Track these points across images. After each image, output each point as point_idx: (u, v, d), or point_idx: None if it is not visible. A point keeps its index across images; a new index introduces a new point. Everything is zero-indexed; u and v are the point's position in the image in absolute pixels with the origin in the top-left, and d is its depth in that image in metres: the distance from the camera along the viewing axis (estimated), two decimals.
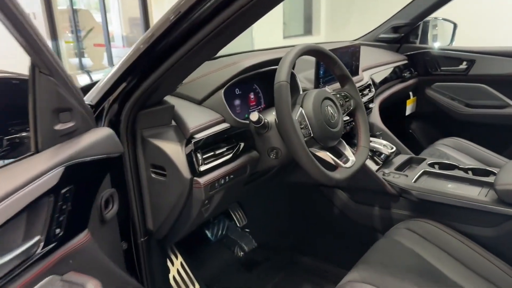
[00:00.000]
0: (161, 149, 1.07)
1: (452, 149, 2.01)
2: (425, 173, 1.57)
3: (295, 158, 1.09)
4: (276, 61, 1.18)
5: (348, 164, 1.21)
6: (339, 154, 1.26)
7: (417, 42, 2.39)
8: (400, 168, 1.65)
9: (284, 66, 1.09)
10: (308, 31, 6.54)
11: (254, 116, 1.13)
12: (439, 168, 1.62)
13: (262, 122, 1.15)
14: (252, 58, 1.31)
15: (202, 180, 1.08)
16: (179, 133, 1.10)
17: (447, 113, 2.33)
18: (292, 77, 1.43)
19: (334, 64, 1.29)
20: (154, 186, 1.13)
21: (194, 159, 1.07)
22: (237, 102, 1.37)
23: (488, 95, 2.21)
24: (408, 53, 2.37)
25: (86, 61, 7.45)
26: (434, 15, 2.34)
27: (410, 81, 2.30)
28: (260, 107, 1.47)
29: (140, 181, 1.14)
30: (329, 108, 1.20)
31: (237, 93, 1.37)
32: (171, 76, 0.99)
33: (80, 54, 7.47)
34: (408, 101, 2.35)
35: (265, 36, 4.87)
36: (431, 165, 1.64)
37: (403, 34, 2.37)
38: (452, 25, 2.48)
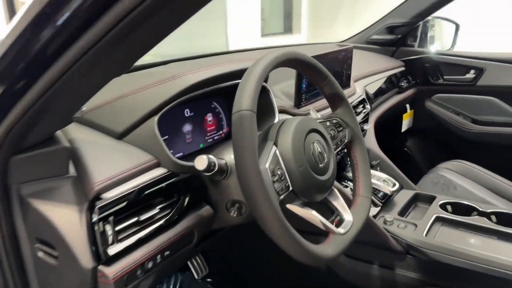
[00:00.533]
0: (47, 219, 0.66)
1: (458, 176, 1.67)
2: (438, 219, 1.20)
3: (262, 228, 0.70)
4: (240, 74, 0.78)
5: (343, 229, 0.82)
6: (329, 210, 0.88)
7: (415, 45, 2.02)
8: (404, 210, 1.28)
9: (247, 87, 0.70)
10: (288, 29, 6.11)
11: (200, 162, 0.73)
12: (453, 211, 1.26)
13: (216, 168, 0.76)
14: (204, 69, 0.91)
15: (112, 270, 0.67)
16: (78, 190, 0.69)
17: (450, 130, 1.98)
18: (264, 92, 1.04)
19: (323, 80, 0.90)
20: (42, 270, 0.72)
21: (99, 236, 0.66)
22: (187, 127, 0.98)
23: (500, 110, 1.86)
24: (405, 58, 2.00)
25: None
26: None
27: (408, 92, 1.93)
28: (221, 132, 1.08)
29: (23, 262, 0.73)
30: (316, 145, 0.82)
31: (187, 114, 0.98)
32: (60, 96, 0.58)
33: None
34: (404, 115, 1.99)
35: (241, 34, 4.47)
36: (443, 206, 1.27)
37: (400, 36, 1.99)
38: (454, 26, 2.13)
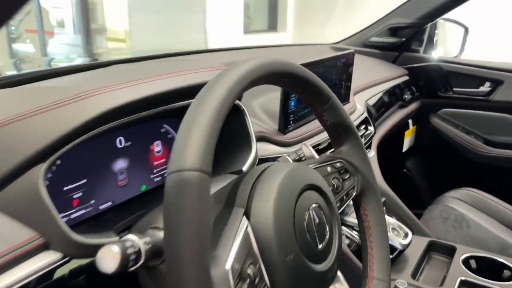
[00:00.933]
0: None
1: (470, 208, 1.42)
2: (464, 284, 0.91)
3: None
4: (193, 91, 0.47)
5: None
6: None
7: (420, 50, 1.73)
8: (419, 267, 0.98)
9: (197, 126, 0.39)
10: (272, 26, 5.73)
11: (108, 257, 0.41)
12: (478, 267, 0.98)
13: (142, 260, 0.44)
14: (139, 83, 0.58)
15: None
16: None
17: (458, 150, 1.70)
18: (235, 113, 0.73)
19: (323, 103, 0.60)
20: None
21: None
22: (119, 164, 0.68)
23: None
24: (409, 66, 1.71)
25: (29, 47, 6.52)
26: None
27: (412, 106, 1.64)
28: None
29: None
30: (312, 213, 0.51)
31: (121, 145, 0.67)
32: None
33: (11, 40, 6.52)
34: (406, 132, 1.70)
35: (222, 30, 4.13)
36: (466, 262, 0.99)
37: (404, 39, 1.70)
38: (462, 30, 1.85)
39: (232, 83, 0.43)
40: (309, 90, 0.57)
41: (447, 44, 2.01)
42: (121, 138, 0.66)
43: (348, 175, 0.63)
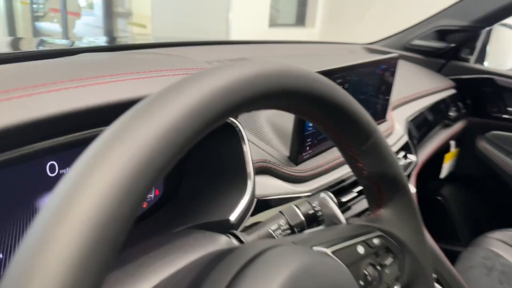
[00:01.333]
0: None
1: None
2: None
3: None
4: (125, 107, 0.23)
5: None
6: None
7: (471, 60, 1.46)
8: None
9: (64, 231, 0.16)
10: (300, 20, 5.40)
11: None
12: None
13: None
14: (54, 88, 0.36)
15: None
16: None
17: (508, 182, 1.43)
18: (229, 134, 0.51)
19: (361, 142, 0.36)
20: None
21: None
22: (46, 199, 0.42)
23: None
24: (457, 77, 1.44)
25: (55, 26, 6.45)
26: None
27: (457, 125, 1.38)
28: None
29: None
30: None
31: (53, 173, 0.48)
32: None
33: (36, 18, 6.48)
34: (447, 156, 1.43)
35: (246, 21, 3.89)
36: None
37: (453, 45, 1.43)
38: None
39: (181, 112, 0.20)
40: (340, 123, 0.33)
41: (502, 55, 1.73)
42: (54, 163, 0.45)
43: (389, 259, 0.39)
